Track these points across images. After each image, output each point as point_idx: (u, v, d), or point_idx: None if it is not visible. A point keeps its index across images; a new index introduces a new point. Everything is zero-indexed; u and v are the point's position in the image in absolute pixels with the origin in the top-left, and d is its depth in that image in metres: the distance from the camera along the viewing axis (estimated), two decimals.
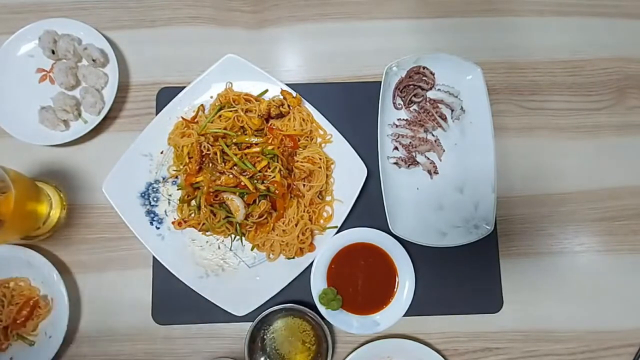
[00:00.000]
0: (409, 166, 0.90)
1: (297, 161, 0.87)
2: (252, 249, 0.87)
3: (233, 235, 0.87)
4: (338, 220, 0.87)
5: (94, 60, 0.91)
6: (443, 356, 0.85)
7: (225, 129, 0.85)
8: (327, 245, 0.86)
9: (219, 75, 0.90)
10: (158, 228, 0.87)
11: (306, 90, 0.90)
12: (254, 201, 0.83)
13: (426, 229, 0.88)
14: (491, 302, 0.88)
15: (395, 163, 0.90)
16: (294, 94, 0.88)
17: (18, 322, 0.84)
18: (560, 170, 0.93)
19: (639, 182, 0.93)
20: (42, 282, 0.86)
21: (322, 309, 0.84)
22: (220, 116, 0.87)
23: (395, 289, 0.86)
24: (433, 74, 0.92)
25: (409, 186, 0.90)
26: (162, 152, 0.89)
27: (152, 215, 0.87)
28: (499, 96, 0.95)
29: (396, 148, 0.91)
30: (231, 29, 0.98)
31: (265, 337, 0.85)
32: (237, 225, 0.84)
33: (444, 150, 0.91)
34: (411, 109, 0.93)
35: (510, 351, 0.88)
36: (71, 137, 0.89)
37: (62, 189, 0.91)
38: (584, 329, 0.88)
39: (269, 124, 0.89)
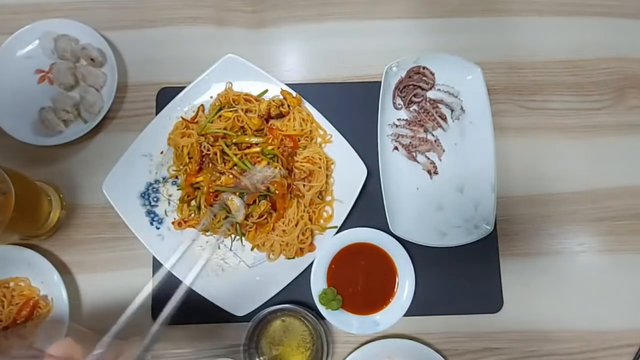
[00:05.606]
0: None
1: (297, 161, 0.87)
2: (252, 249, 0.87)
3: (233, 236, 0.87)
4: (338, 220, 0.87)
5: (92, 60, 0.91)
6: (443, 356, 0.84)
7: (225, 129, 0.85)
8: (327, 245, 0.86)
9: (219, 75, 0.90)
10: (158, 228, 0.87)
11: (306, 90, 0.90)
12: (254, 201, 0.83)
13: (426, 229, 0.88)
14: (491, 302, 0.88)
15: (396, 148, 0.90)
16: (294, 94, 0.88)
17: (18, 322, 0.84)
18: (560, 170, 0.93)
19: (639, 182, 0.93)
20: (42, 282, 0.86)
21: (322, 309, 0.84)
22: (220, 116, 0.87)
23: (395, 289, 0.86)
24: (433, 74, 0.92)
25: (409, 186, 0.90)
26: (162, 152, 0.89)
27: (152, 215, 0.87)
28: (499, 96, 0.95)
29: (396, 148, 0.91)
30: (231, 29, 0.97)
31: (263, 337, 0.85)
32: (237, 225, 0.84)
33: (444, 150, 0.91)
34: (411, 109, 0.93)
35: (510, 351, 0.88)
36: (71, 137, 0.89)
37: (62, 189, 0.91)
38: (584, 329, 0.88)
39: (269, 124, 0.88)
